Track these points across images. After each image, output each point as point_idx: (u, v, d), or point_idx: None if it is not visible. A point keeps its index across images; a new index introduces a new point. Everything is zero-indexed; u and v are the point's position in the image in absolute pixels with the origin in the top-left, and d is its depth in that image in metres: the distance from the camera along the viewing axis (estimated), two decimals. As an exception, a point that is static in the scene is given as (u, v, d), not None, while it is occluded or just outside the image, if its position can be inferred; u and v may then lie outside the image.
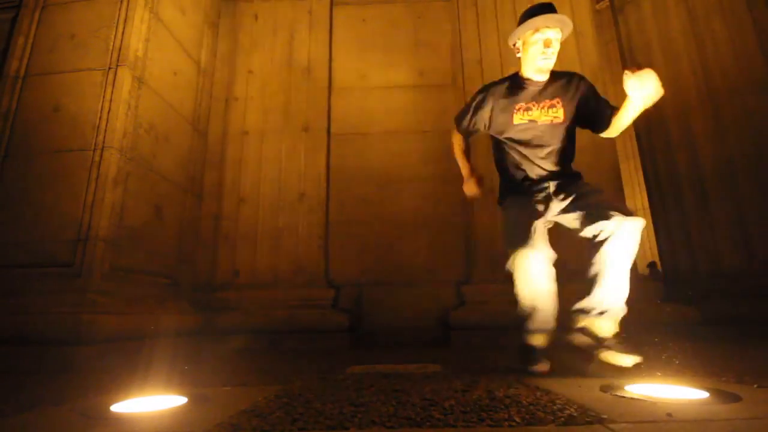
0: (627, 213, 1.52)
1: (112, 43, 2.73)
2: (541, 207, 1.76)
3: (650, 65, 3.81)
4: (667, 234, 3.59)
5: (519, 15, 1.89)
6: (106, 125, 2.58)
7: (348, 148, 3.82)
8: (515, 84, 1.84)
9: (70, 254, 2.38)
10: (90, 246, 2.39)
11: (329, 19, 4.07)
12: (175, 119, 3.20)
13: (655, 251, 4.18)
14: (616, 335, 1.52)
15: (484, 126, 1.88)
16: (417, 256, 3.54)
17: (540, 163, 1.77)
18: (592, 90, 1.80)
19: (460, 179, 2.08)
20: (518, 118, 1.77)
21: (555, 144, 1.77)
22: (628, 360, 1.44)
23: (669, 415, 0.97)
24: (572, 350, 1.56)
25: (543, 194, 1.77)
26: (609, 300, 1.55)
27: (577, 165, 1.96)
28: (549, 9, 1.70)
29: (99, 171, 2.51)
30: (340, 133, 3.86)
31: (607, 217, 1.53)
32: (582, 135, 1.81)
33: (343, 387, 1.47)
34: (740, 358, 2.02)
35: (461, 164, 1.99)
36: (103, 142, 2.56)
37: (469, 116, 1.90)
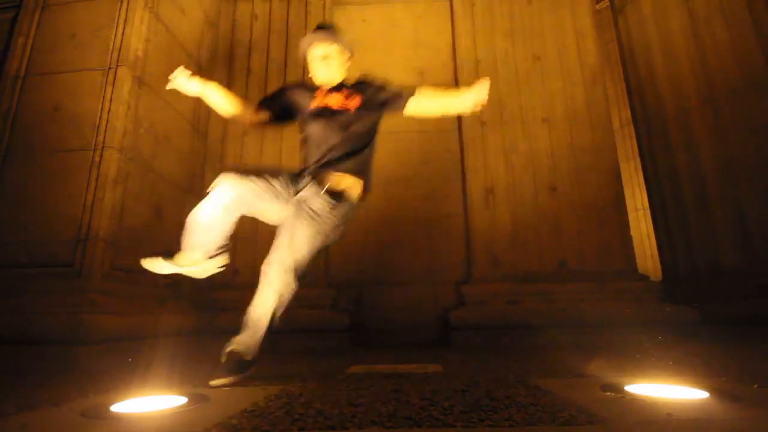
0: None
1: (112, 43, 2.73)
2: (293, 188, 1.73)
3: (650, 65, 3.81)
4: (667, 234, 3.59)
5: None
6: (106, 125, 2.58)
7: (348, 148, 3.82)
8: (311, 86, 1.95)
9: (70, 254, 2.38)
10: (90, 246, 2.39)
11: (329, 19, 4.06)
12: (175, 119, 3.20)
13: (655, 251, 4.18)
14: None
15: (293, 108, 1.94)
16: (417, 256, 3.54)
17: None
18: (379, 86, 1.88)
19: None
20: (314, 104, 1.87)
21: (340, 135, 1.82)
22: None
23: (669, 415, 0.97)
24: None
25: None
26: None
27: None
28: (323, 27, 1.91)
29: (99, 171, 2.51)
30: (340, 133, 3.86)
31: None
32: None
33: (343, 387, 1.47)
34: (740, 358, 2.01)
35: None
36: (103, 142, 2.55)
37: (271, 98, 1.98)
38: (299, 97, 1.90)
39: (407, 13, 4.14)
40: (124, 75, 2.67)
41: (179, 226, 1.73)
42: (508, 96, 3.68)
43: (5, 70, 2.75)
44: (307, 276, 1.67)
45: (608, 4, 4.85)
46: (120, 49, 2.71)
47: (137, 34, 2.79)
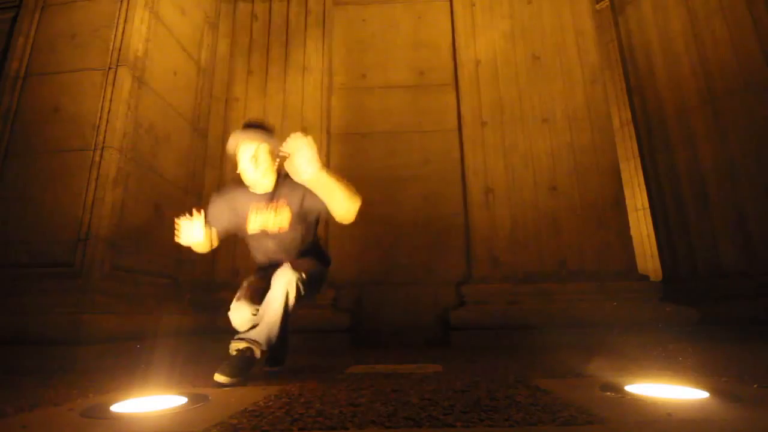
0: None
1: (112, 43, 2.73)
2: None
3: (650, 65, 3.81)
4: (667, 234, 3.59)
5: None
6: (106, 125, 2.58)
7: (348, 148, 3.82)
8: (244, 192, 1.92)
9: (70, 254, 2.38)
10: (90, 246, 2.39)
11: (329, 19, 4.07)
12: (175, 119, 3.20)
13: (655, 251, 4.18)
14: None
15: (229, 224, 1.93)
16: (417, 256, 3.54)
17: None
18: (304, 197, 1.85)
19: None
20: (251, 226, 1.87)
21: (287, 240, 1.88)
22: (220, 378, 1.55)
23: (669, 415, 0.97)
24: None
25: None
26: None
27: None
28: (249, 125, 1.86)
29: (99, 171, 2.51)
30: (339, 133, 3.87)
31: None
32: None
33: (343, 387, 1.47)
34: (740, 358, 2.01)
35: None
36: (103, 142, 2.55)
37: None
38: (232, 216, 1.89)
39: (407, 13, 4.14)
40: (124, 75, 2.67)
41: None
42: (508, 96, 3.68)
43: (5, 70, 2.75)
44: (308, 298, 1.76)
45: (608, 4, 4.85)
46: (120, 49, 2.71)
47: (137, 34, 2.79)
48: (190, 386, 1.53)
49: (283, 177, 1.86)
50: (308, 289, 1.70)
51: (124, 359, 2.27)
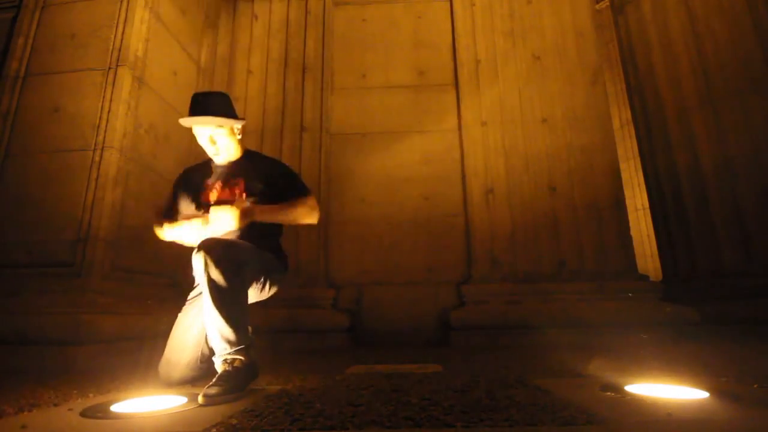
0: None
1: (112, 43, 2.73)
2: None
3: (650, 65, 3.81)
4: (666, 234, 3.58)
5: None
6: (106, 125, 2.58)
7: (348, 148, 3.82)
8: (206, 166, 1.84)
9: (70, 254, 2.38)
10: (90, 246, 2.39)
11: (329, 19, 4.07)
12: (175, 119, 3.19)
13: (655, 251, 4.18)
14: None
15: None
16: (417, 256, 3.54)
17: None
18: (281, 172, 1.78)
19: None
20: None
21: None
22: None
23: (669, 415, 0.97)
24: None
25: None
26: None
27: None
28: (202, 105, 1.66)
29: (99, 171, 2.51)
30: (340, 133, 3.87)
31: None
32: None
33: (343, 387, 1.47)
34: (740, 358, 2.01)
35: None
36: (103, 142, 2.56)
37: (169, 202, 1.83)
38: (190, 196, 1.77)
39: (407, 13, 4.14)
40: (124, 75, 2.67)
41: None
42: (508, 96, 3.68)
43: (5, 70, 2.75)
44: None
45: (608, 4, 4.85)
46: (120, 49, 2.71)
47: (137, 34, 2.79)
48: (190, 386, 1.53)
49: (246, 151, 1.83)
50: (244, 260, 1.48)
51: (124, 359, 2.27)
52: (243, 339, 1.42)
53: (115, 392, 1.50)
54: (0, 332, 2.11)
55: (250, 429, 0.95)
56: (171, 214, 1.76)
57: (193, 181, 1.82)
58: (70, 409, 1.20)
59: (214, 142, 1.72)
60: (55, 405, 1.29)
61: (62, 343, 2.09)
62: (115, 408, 1.17)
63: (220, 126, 1.70)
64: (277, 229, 1.87)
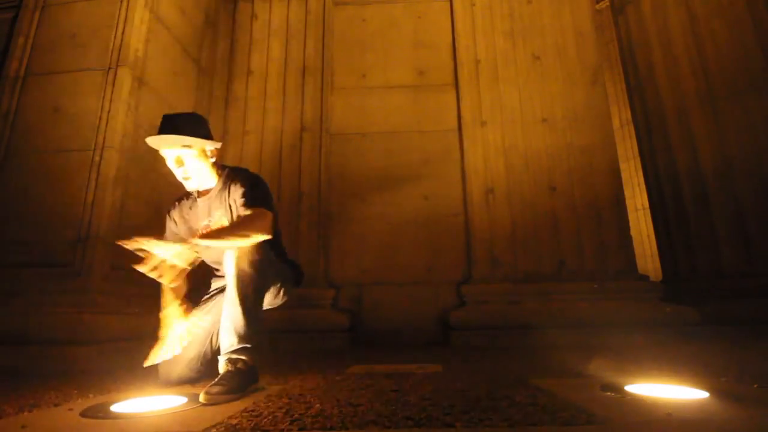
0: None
1: (112, 43, 2.73)
2: None
3: (650, 65, 3.81)
4: (666, 234, 3.58)
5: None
6: (106, 125, 2.58)
7: (348, 148, 3.82)
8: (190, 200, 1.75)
9: (70, 254, 2.38)
10: (90, 246, 2.39)
11: (329, 19, 4.07)
12: (175, 119, 3.20)
13: (655, 251, 4.18)
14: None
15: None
16: (417, 256, 3.54)
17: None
18: (240, 191, 1.62)
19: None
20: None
21: None
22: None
23: (669, 415, 0.97)
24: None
25: None
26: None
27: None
28: (170, 124, 1.56)
29: (99, 171, 2.51)
30: (340, 133, 3.87)
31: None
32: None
33: (343, 387, 1.47)
34: (740, 358, 2.01)
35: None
36: (103, 142, 2.55)
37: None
38: (186, 232, 1.71)
39: (407, 13, 4.14)
40: (124, 75, 2.67)
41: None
42: (508, 96, 3.68)
43: (5, 70, 2.75)
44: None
45: (608, 4, 4.85)
46: (120, 49, 2.71)
47: (137, 34, 2.79)
48: (190, 386, 1.53)
49: (225, 175, 1.70)
50: (266, 268, 1.50)
51: (124, 359, 2.27)
52: (252, 337, 1.43)
53: (115, 392, 1.50)
54: (0, 332, 2.11)
55: (250, 429, 0.95)
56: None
57: (186, 222, 1.74)
58: (70, 409, 1.20)
59: (181, 163, 1.58)
60: (55, 405, 1.29)
61: (62, 343, 2.09)
62: (115, 408, 1.17)
63: (187, 146, 1.56)
64: (281, 245, 1.86)
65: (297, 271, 1.89)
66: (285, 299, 1.80)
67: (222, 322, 1.46)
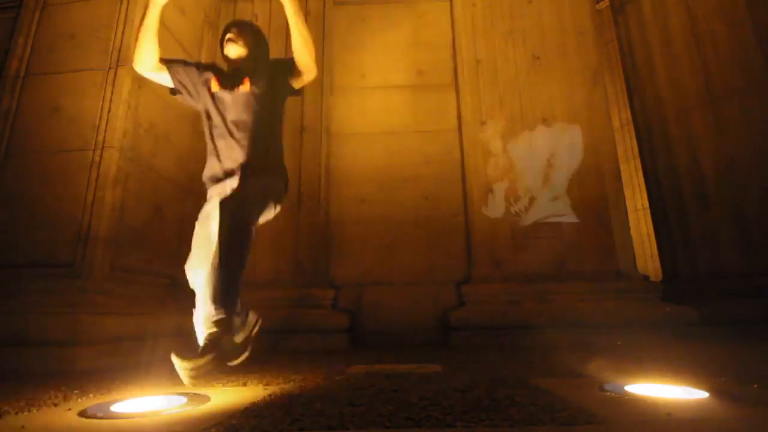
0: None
1: (112, 43, 2.73)
2: None
3: (650, 65, 3.80)
4: (667, 234, 3.59)
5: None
6: (106, 125, 2.58)
7: (348, 148, 3.82)
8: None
9: (70, 254, 2.38)
10: (90, 246, 2.39)
11: (329, 19, 4.06)
12: (175, 119, 3.20)
13: (655, 251, 4.18)
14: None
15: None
16: (417, 256, 3.53)
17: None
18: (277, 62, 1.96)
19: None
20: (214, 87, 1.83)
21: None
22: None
23: (669, 415, 0.97)
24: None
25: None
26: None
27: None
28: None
29: (99, 171, 2.51)
30: (339, 133, 3.86)
31: None
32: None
33: (343, 387, 1.47)
34: (740, 358, 2.02)
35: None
36: (103, 142, 2.56)
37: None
38: (196, 78, 1.88)
39: (407, 13, 4.14)
40: (124, 75, 2.67)
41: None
42: (508, 96, 3.68)
43: (5, 70, 2.75)
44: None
45: (608, 4, 4.85)
46: (120, 49, 2.71)
47: (137, 34, 2.79)
48: (191, 386, 1.53)
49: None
50: (251, 213, 1.61)
51: (124, 359, 2.27)
52: (230, 306, 1.42)
53: (115, 392, 1.50)
54: (0, 332, 2.11)
55: (250, 429, 0.95)
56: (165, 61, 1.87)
57: (204, 77, 1.89)
58: (69, 409, 1.20)
59: (237, 38, 1.90)
60: (55, 405, 1.29)
61: (62, 343, 2.09)
62: (115, 408, 1.17)
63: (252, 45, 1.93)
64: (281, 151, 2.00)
65: (285, 176, 2.02)
66: (278, 209, 1.88)
67: (204, 289, 1.43)
